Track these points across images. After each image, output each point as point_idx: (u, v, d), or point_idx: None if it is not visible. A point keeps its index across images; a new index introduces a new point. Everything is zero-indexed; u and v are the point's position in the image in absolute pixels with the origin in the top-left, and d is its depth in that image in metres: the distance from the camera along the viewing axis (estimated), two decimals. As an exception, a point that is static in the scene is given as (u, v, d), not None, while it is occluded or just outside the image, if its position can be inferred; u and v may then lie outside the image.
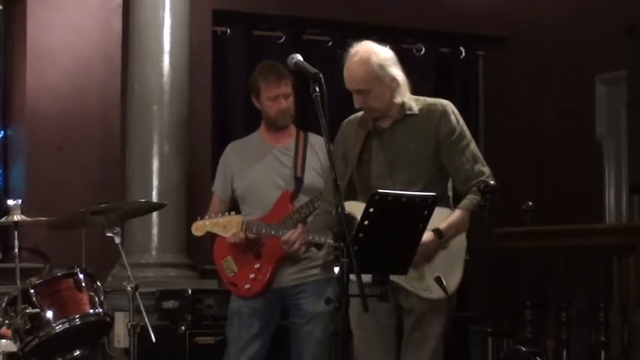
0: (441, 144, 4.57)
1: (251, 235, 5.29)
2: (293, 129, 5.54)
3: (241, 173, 5.49)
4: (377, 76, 4.51)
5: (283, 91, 5.42)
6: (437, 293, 4.45)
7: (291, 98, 5.46)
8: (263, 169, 5.45)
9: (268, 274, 5.32)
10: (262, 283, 5.34)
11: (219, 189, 5.55)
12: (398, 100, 4.56)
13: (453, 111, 4.62)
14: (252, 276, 5.35)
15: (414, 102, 4.62)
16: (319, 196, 5.09)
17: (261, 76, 5.48)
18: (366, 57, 4.52)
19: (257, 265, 5.34)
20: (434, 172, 4.58)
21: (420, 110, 4.60)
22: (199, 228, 5.28)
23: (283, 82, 5.43)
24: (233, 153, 5.59)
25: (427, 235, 4.33)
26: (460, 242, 4.56)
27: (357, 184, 4.65)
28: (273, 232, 5.09)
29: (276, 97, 5.43)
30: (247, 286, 5.36)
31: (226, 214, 5.27)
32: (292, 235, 4.87)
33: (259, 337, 5.39)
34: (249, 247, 5.34)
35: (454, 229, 4.51)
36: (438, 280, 4.42)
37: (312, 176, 5.41)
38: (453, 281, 4.49)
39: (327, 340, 5.38)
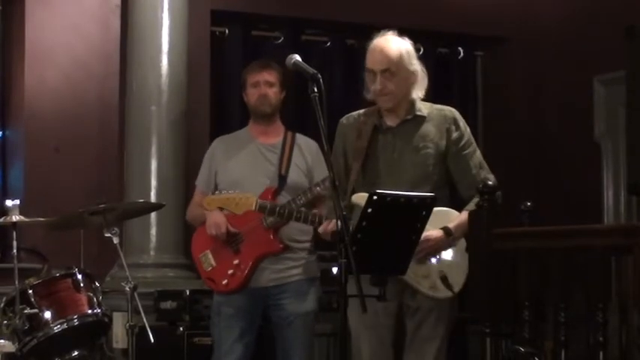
0: (450, 149, 4.60)
1: (232, 230, 5.29)
2: (281, 127, 5.55)
3: (226, 169, 5.48)
4: (404, 60, 4.56)
5: (265, 77, 5.45)
6: (442, 292, 4.49)
7: (275, 89, 5.46)
8: (248, 164, 5.45)
9: (247, 270, 5.31)
10: (240, 280, 5.32)
11: (202, 182, 5.56)
12: (413, 95, 4.60)
13: (461, 117, 4.67)
14: (230, 272, 5.34)
15: (422, 105, 4.64)
16: (301, 194, 5.13)
17: (246, 68, 5.57)
18: (398, 39, 4.58)
19: (236, 261, 5.33)
20: (438, 174, 4.58)
21: (429, 114, 4.63)
22: (211, 202, 5.14)
23: (266, 70, 5.46)
24: (219, 147, 5.60)
25: (437, 232, 4.47)
26: (463, 243, 4.60)
27: (361, 179, 4.65)
28: (285, 218, 5.08)
29: (256, 83, 5.46)
30: (225, 281, 5.34)
31: (238, 191, 5.12)
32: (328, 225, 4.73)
33: (243, 338, 5.37)
34: (228, 243, 5.33)
35: (461, 230, 4.56)
36: (444, 279, 4.45)
37: (297, 175, 5.42)
38: (459, 281, 4.54)
39: (313, 340, 5.39)
